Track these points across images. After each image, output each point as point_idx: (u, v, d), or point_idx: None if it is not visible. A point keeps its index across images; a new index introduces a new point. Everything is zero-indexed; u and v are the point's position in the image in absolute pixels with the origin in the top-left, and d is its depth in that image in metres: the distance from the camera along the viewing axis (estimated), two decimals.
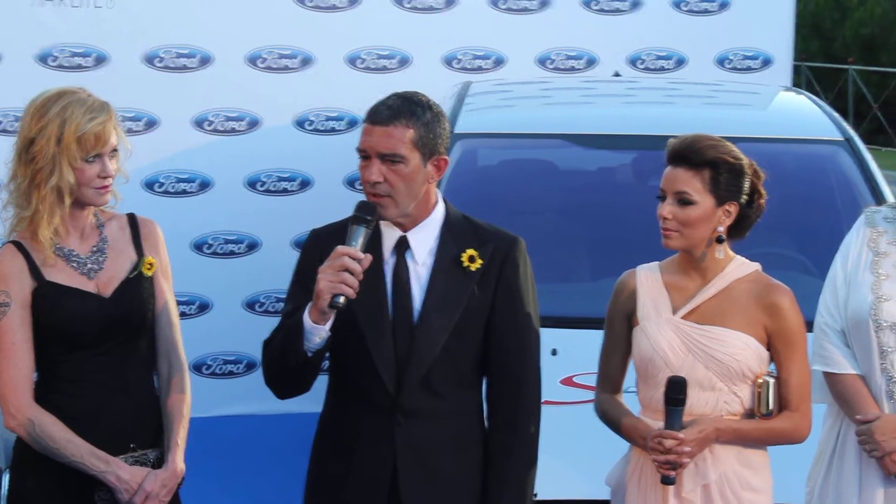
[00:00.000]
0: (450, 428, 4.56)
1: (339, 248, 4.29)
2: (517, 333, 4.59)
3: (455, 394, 4.57)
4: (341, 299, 4.25)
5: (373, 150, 4.40)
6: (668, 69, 9.89)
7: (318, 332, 4.33)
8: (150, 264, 4.78)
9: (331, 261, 4.28)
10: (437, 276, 4.52)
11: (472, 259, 4.53)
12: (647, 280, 4.77)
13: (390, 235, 4.51)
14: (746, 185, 4.66)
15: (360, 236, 4.33)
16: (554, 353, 5.68)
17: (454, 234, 4.55)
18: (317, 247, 4.55)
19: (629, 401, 4.82)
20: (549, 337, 5.79)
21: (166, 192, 9.15)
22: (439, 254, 4.54)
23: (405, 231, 4.51)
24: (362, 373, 4.48)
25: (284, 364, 4.43)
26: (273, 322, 4.59)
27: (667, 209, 4.62)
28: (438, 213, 4.57)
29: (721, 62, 9.94)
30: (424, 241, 4.54)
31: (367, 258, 4.31)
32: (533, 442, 4.57)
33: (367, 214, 4.37)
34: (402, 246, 4.51)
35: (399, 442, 4.50)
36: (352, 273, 4.25)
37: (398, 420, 4.50)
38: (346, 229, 4.39)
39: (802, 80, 27.32)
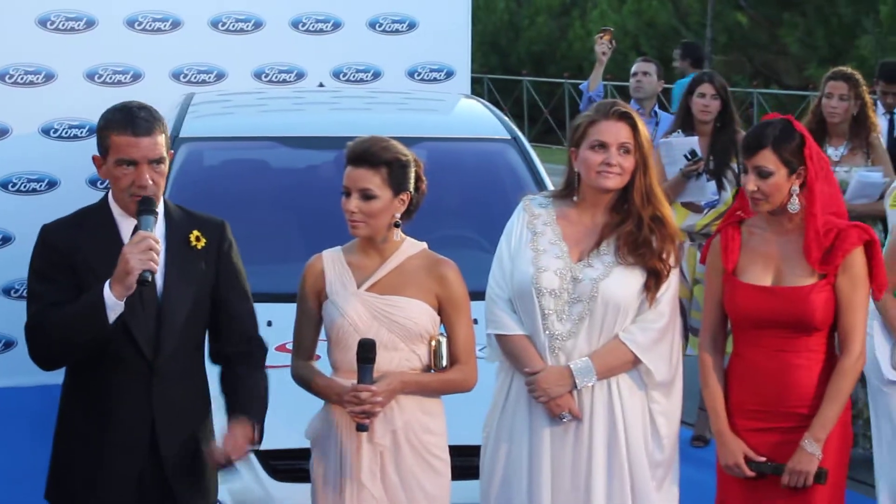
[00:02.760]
0: (194, 385, 4.60)
1: (141, 232, 4.29)
2: (244, 298, 4.70)
3: (194, 355, 4.61)
4: (149, 275, 4.24)
5: (144, 157, 4.39)
6: (367, 80, 9.93)
7: (119, 307, 4.28)
8: None
9: (135, 244, 4.25)
10: (172, 256, 4.52)
11: (198, 238, 4.56)
12: (333, 261, 4.78)
13: (126, 225, 4.48)
14: (412, 175, 4.71)
15: (151, 224, 4.36)
16: (269, 324, 5.63)
17: (176, 220, 4.56)
18: (54, 239, 4.49)
19: (321, 366, 4.83)
20: (265, 310, 5.76)
21: None
22: (169, 237, 4.54)
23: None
24: (120, 345, 4.41)
25: (76, 339, 4.34)
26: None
27: (353, 204, 4.64)
28: (162, 203, 4.56)
29: (411, 74, 10.03)
30: (156, 227, 4.49)
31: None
32: (266, 378, 4.69)
33: (151, 206, 4.38)
34: None
35: (156, 402, 4.47)
36: (154, 252, 4.26)
37: (153, 383, 4.47)
38: (72, 223, 4.51)
39: (485, 89, 27.64)
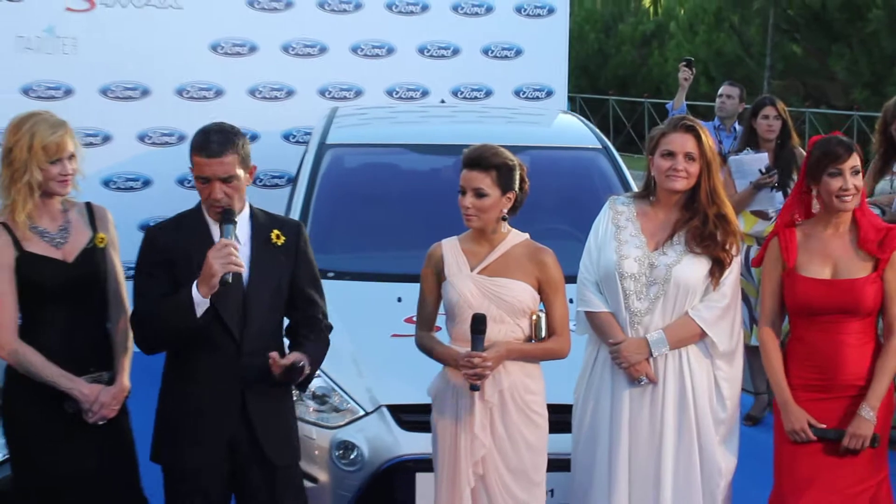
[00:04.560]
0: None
1: (223, 240, 4.30)
2: (317, 284, 4.67)
3: (275, 333, 4.59)
4: (230, 276, 4.27)
5: (215, 175, 4.35)
6: (480, 98, 9.93)
7: (205, 304, 4.31)
8: (102, 239, 4.71)
9: (217, 251, 4.27)
10: (258, 253, 4.52)
11: (278, 236, 4.55)
12: (450, 248, 4.78)
13: (214, 227, 4.48)
14: (517, 177, 4.71)
15: (231, 231, 4.35)
16: (399, 300, 5.66)
17: (259, 222, 4.55)
18: (158, 239, 4.51)
19: (440, 335, 4.83)
20: (395, 288, 5.79)
21: (118, 188, 9.11)
22: (254, 237, 4.54)
23: None
24: (213, 328, 4.41)
25: (170, 330, 4.37)
26: None
27: (468, 200, 4.65)
28: (247, 209, 4.56)
29: (517, 93, 10.01)
30: (242, 229, 4.51)
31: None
32: (325, 343, 4.66)
33: (231, 216, 4.36)
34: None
35: (246, 377, 4.46)
36: (234, 256, 4.28)
37: (242, 361, 4.46)
38: (177, 221, 4.54)
39: (577, 107, 27.45)
